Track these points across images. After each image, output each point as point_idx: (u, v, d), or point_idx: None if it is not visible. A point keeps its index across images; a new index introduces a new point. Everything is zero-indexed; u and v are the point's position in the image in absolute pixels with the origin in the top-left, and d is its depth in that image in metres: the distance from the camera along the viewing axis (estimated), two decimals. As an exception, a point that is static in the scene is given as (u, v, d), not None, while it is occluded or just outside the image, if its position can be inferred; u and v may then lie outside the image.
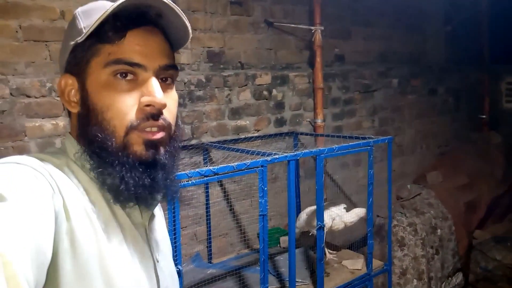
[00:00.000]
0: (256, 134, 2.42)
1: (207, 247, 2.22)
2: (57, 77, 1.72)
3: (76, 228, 0.53)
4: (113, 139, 0.58)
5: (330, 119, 2.85)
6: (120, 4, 0.55)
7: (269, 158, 1.59)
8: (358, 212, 2.11)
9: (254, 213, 2.34)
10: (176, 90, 0.66)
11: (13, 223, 0.45)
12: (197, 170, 1.38)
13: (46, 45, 1.69)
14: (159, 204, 0.72)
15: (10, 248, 0.42)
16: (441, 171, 3.49)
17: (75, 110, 0.63)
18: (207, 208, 2.14)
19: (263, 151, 1.70)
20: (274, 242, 2.37)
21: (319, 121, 2.66)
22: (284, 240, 2.34)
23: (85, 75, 0.60)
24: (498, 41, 3.97)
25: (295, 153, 1.68)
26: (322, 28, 2.56)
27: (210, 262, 2.19)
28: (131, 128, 0.58)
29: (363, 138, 2.06)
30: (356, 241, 2.62)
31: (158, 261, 0.67)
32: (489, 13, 3.99)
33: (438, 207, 3.16)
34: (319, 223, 1.79)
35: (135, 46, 0.59)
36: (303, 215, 2.15)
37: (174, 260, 0.99)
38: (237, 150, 1.87)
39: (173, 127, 0.64)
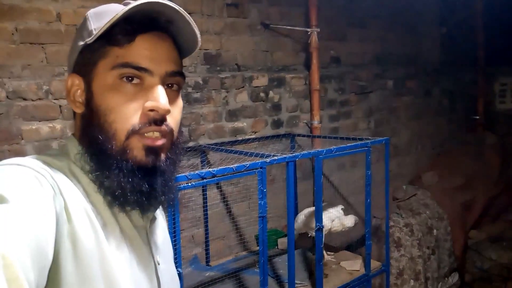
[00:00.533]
0: (253, 136, 2.42)
1: (205, 249, 2.21)
2: (53, 80, 1.71)
3: (77, 230, 0.53)
4: (114, 142, 0.58)
5: (326, 120, 2.85)
6: (131, 8, 0.55)
7: (268, 160, 1.59)
8: (353, 218, 2.14)
9: (252, 215, 2.34)
10: None
11: (14, 225, 0.44)
12: (196, 172, 1.37)
13: (42, 47, 1.68)
14: (160, 207, 0.71)
15: (12, 250, 0.42)
16: (437, 172, 3.51)
17: (79, 110, 0.62)
18: (205, 210, 2.14)
19: (261, 152, 1.70)
20: (272, 244, 2.37)
21: (315, 122, 2.67)
22: (282, 242, 2.34)
23: (92, 76, 0.60)
24: (492, 42, 4.01)
25: (294, 154, 1.68)
26: (318, 30, 2.57)
27: (208, 265, 2.18)
28: (132, 133, 0.58)
29: (360, 139, 2.07)
30: (353, 242, 2.62)
31: (159, 264, 0.67)
32: (483, 14, 4.03)
33: (434, 207, 3.18)
34: (317, 224, 1.79)
35: (144, 50, 0.59)
36: (301, 217, 2.15)
37: (175, 263, 0.99)
38: (235, 152, 1.87)
39: (175, 134, 0.63)
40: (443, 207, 3.19)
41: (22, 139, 1.65)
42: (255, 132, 2.45)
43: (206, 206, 2.13)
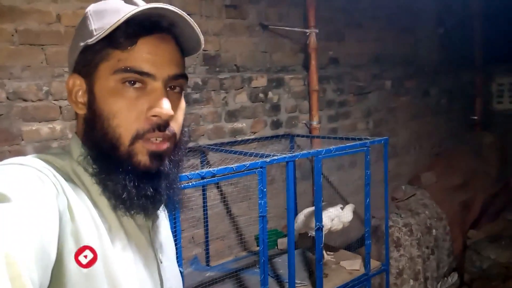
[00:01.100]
0: (252, 137, 2.43)
1: (205, 250, 2.21)
2: (53, 81, 1.72)
3: (80, 229, 0.53)
4: (118, 147, 0.58)
5: (325, 121, 2.86)
6: (133, 13, 0.55)
7: (268, 160, 1.59)
8: (351, 208, 2.14)
9: (251, 215, 2.34)
10: None
11: (17, 224, 0.44)
12: (196, 171, 1.38)
13: (42, 48, 1.68)
14: (162, 205, 0.72)
15: (15, 249, 0.42)
16: (435, 172, 3.52)
17: (81, 111, 0.62)
18: (204, 210, 2.14)
19: (261, 152, 1.70)
20: (272, 244, 2.37)
21: (314, 123, 2.67)
22: (281, 242, 2.35)
23: (93, 79, 0.59)
24: (490, 42, 4.03)
25: (294, 154, 1.69)
26: (317, 30, 2.58)
27: (208, 265, 2.18)
28: (136, 138, 0.58)
29: (359, 139, 2.08)
30: (352, 242, 2.63)
31: (161, 262, 0.67)
32: (481, 14, 4.05)
33: (433, 207, 3.19)
34: (317, 224, 1.79)
35: (146, 54, 0.58)
36: (301, 217, 2.16)
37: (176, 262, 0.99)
38: (235, 152, 1.87)
39: (178, 136, 0.63)
40: (442, 207, 3.20)
41: (22, 139, 1.65)
42: (255, 133, 2.46)
43: (206, 206, 2.13)
